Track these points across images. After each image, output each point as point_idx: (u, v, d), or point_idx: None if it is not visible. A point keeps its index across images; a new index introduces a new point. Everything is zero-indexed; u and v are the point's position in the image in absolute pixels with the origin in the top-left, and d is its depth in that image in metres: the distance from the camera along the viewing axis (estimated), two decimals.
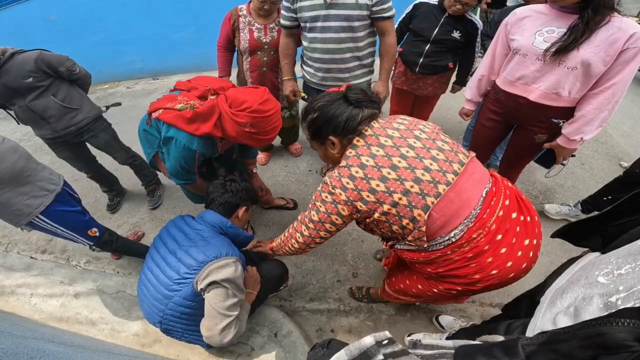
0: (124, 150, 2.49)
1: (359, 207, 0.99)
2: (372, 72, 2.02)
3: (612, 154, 3.00)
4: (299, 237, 1.25)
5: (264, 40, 2.18)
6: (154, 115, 1.53)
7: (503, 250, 0.99)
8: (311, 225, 1.16)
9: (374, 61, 1.98)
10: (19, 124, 2.16)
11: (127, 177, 2.79)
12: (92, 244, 1.92)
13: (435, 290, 1.19)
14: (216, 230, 1.47)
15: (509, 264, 1.00)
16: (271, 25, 2.17)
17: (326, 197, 1.04)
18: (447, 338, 1.49)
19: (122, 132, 2.61)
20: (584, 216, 2.11)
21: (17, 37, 5.40)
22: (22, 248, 2.59)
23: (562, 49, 1.40)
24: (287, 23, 1.92)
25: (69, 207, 1.77)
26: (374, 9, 1.72)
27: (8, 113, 2.10)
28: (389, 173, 0.95)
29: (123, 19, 5.10)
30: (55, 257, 2.47)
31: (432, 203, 0.94)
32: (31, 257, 2.49)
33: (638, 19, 4.57)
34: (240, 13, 2.18)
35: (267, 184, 2.60)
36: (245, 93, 1.43)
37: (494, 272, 1.01)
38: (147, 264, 1.48)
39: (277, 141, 2.94)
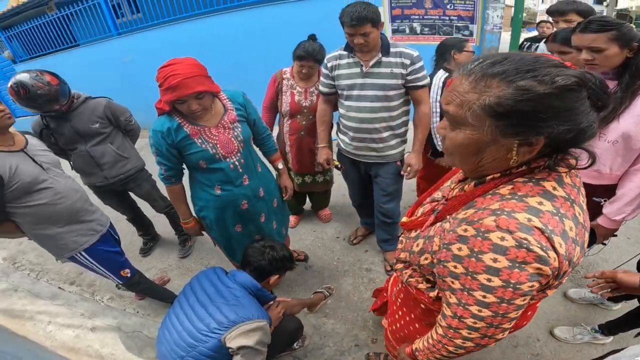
0: (162, 199, 2.66)
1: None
2: (405, 142, 2.01)
3: None
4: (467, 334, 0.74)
5: (304, 104, 2.27)
6: None
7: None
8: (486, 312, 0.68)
9: (407, 131, 2.00)
10: (72, 169, 2.25)
11: (163, 224, 2.95)
12: (122, 283, 1.97)
13: None
14: (247, 290, 1.51)
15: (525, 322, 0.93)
16: (311, 89, 2.27)
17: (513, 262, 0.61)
18: None
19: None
20: (608, 302, 1.96)
21: (92, 73, 6.18)
22: (53, 277, 2.67)
23: (601, 121, 1.27)
24: (325, 90, 1.99)
25: (110, 247, 1.88)
26: (409, 77, 1.77)
27: (65, 158, 2.19)
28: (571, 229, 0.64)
29: None
30: (82, 290, 2.52)
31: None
32: (59, 288, 2.55)
33: None
34: (284, 76, 2.30)
35: (293, 247, 2.68)
36: None
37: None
38: (174, 309, 1.51)
39: (307, 205, 3.07)
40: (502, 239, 0.60)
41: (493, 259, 0.61)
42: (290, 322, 1.78)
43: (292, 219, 2.95)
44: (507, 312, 0.66)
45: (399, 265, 1.02)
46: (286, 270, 1.69)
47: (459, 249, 0.66)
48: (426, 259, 0.81)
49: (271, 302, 1.67)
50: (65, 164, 1.93)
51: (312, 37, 2.18)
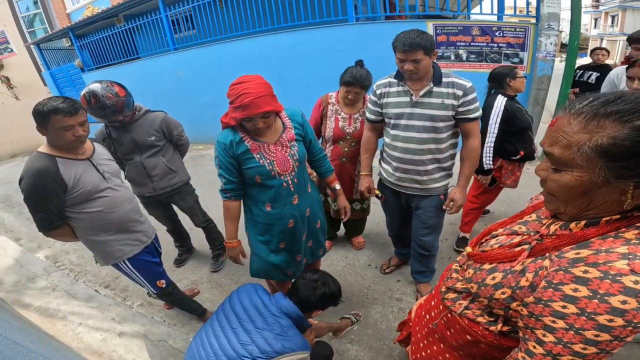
0: (202, 214, 2.72)
1: None
2: (450, 176, 1.95)
3: None
4: None
5: (347, 131, 2.26)
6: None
7: None
8: None
9: (453, 164, 1.93)
10: (124, 179, 2.25)
11: (198, 238, 3.01)
12: (155, 292, 2.00)
13: None
14: (291, 320, 1.47)
15: None
16: (355, 116, 2.25)
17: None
18: None
19: (203, 194, 2.91)
20: None
21: (149, 85, 6.57)
22: (90, 279, 2.77)
23: None
24: (372, 117, 1.95)
25: (151, 257, 1.93)
26: (460, 109, 1.70)
27: (120, 168, 2.22)
28: None
29: (228, 84, 5.89)
30: (115, 294, 2.59)
31: None
32: (95, 290, 2.63)
33: None
34: (329, 101, 2.30)
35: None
36: None
37: None
38: (212, 325, 1.47)
39: (341, 231, 3.03)
40: (636, 282, 0.58)
41: (622, 301, 0.59)
42: (323, 348, 1.74)
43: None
44: (613, 349, 0.64)
45: (452, 295, 1.00)
46: (333, 305, 1.64)
47: (575, 290, 0.63)
48: (504, 293, 0.78)
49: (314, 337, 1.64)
50: None
51: (360, 63, 2.17)
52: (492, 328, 0.88)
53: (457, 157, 1.92)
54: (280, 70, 5.54)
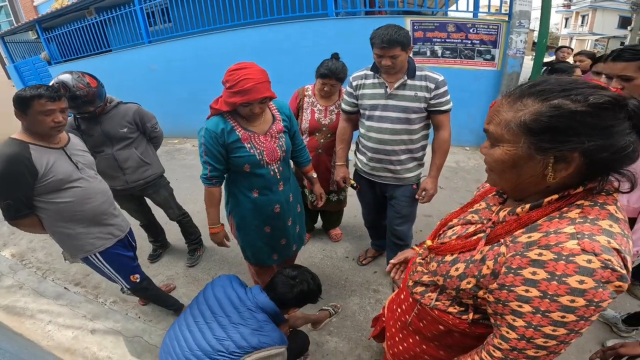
0: (177, 208, 2.68)
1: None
2: (422, 165, 2.01)
3: None
4: None
5: (323, 122, 2.28)
6: None
7: None
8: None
9: (424, 155, 1.99)
10: None
11: (173, 232, 2.95)
12: (129, 287, 1.96)
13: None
14: (267, 315, 1.46)
15: None
16: (331, 108, 2.28)
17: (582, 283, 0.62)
18: None
19: (178, 188, 2.86)
20: (622, 327, 1.99)
21: (121, 79, 6.37)
22: (59, 277, 2.68)
23: None
24: (347, 108, 2.00)
25: (124, 251, 1.89)
26: (432, 102, 1.76)
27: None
28: None
29: (205, 78, 5.72)
30: (86, 291, 2.52)
31: None
32: (65, 288, 2.55)
33: None
34: (306, 93, 2.33)
35: (303, 264, 2.61)
36: None
37: None
38: (186, 320, 1.45)
39: (318, 224, 3.05)
40: (589, 261, 0.61)
41: (579, 280, 0.62)
42: (298, 336, 1.75)
43: None
44: (581, 328, 0.67)
45: (419, 289, 1.00)
46: (310, 302, 1.61)
47: (533, 273, 0.66)
48: (469, 282, 0.80)
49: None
50: None
51: (335, 56, 2.19)
52: (463, 317, 0.90)
53: (429, 148, 1.97)
54: (258, 64, 5.46)
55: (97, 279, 2.60)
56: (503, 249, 0.73)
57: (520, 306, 0.69)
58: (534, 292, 0.66)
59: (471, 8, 4.72)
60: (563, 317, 0.65)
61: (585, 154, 0.61)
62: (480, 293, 0.79)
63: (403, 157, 1.90)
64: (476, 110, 4.83)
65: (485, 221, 0.87)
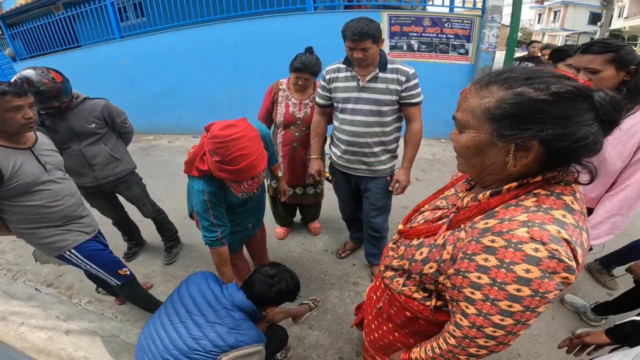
0: (151, 204, 2.63)
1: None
2: (395, 157, 2.03)
3: None
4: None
5: (298, 116, 2.29)
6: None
7: None
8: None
9: (397, 147, 2.01)
10: None
11: (149, 230, 2.90)
12: (120, 283, 1.90)
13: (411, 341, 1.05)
14: (244, 313, 1.44)
15: None
16: (306, 101, 2.29)
17: (526, 271, 0.63)
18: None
19: (154, 185, 2.82)
20: (591, 316, 2.04)
21: (92, 75, 6.18)
22: (30, 278, 2.60)
23: None
24: (321, 102, 2.01)
25: (99, 247, 1.84)
26: (403, 94, 1.79)
27: None
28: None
29: (181, 73, 5.72)
30: (59, 292, 2.45)
31: None
32: (36, 289, 2.48)
33: None
34: (280, 87, 2.33)
35: (282, 259, 2.68)
36: (218, 122, 1.33)
37: None
38: (160, 319, 1.42)
39: (297, 218, 3.06)
40: (536, 250, 0.61)
41: (525, 269, 0.62)
42: (276, 331, 1.75)
43: (281, 230, 2.96)
44: (527, 320, 0.67)
45: (389, 273, 1.01)
46: (288, 301, 1.59)
47: (485, 260, 0.67)
48: (431, 267, 0.81)
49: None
50: None
51: (309, 50, 2.20)
52: (427, 303, 0.90)
53: (402, 140, 2.00)
54: (236, 59, 5.43)
55: (71, 279, 2.54)
56: (462, 234, 0.74)
57: (472, 293, 0.70)
58: (485, 279, 0.67)
59: (447, 3, 4.80)
60: (510, 306, 0.66)
61: (544, 142, 0.62)
62: (441, 278, 0.79)
63: (376, 149, 1.92)
64: (451, 104, 4.78)
65: (450, 207, 0.88)
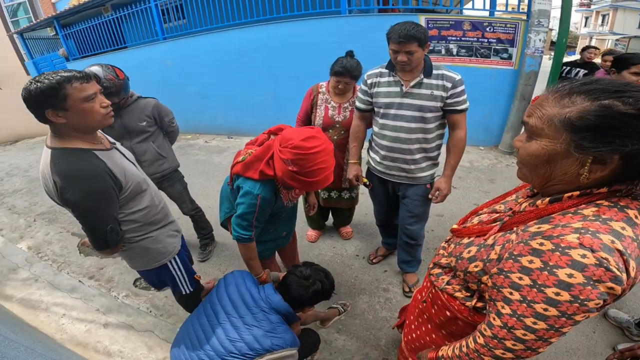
0: (190, 202, 2.69)
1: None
2: (436, 165, 1.98)
3: None
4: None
5: (337, 119, 2.27)
6: (232, 171, 1.54)
7: None
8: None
9: (439, 154, 1.96)
10: None
11: (185, 227, 2.95)
12: (193, 290, 1.79)
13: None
14: (281, 316, 1.43)
15: None
16: (345, 105, 2.27)
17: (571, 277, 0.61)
18: None
19: (191, 183, 2.86)
20: (635, 331, 1.93)
21: (137, 75, 6.46)
22: (74, 270, 2.72)
23: None
24: (361, 106, 1.97)
25: (185, 248, 1.77)
26: (448, 101, 1.73)
27: None
28: None
29: (218, 74, 5.86)
30: (100, 285, 2.55)
31: None
32: (79, 281, 2.59)
33: None
34: (320, 90, 2.31)
35: (313, 262, 2.64)
36: (295, 131, 1.34)
37: None
38: (199, 319, 1.44)
39: (329, 221, 3.04)
40: (584, 256, 0.60)
41: (569, 274, 0.61)
42: (310, 336, 1.74)
43: (313, 233, 2.95)
44: (562, 327, 0.65)
45: (437, 270, 1.02)
46: (324, 300, 1.57)
47: (530, 262, 0.66)
48: (476, 266, 0.81)
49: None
50: None
51: (350, 54, 2.17)
52: (467, 303, 0.90)
53: (444, 147, 1.93)
54: (271, 61, 5.50)
55: (111, 272, 2.64)
56: (513, 236, 0.73)
57: (511, 293, 0.69)
58: (526, 280, 0.66)
59: (488, 6, 4.63)
60: (545, 309, 0.64)
61: (625, 157, 0.59)
62: (484, 278, 0.79)
63: (417, 156, 1.87)
64: (492, 110, 4.75)
65: (507, 211, 0.87)
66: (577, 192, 0.68)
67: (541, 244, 0.64)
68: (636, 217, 0.64)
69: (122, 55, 6.83)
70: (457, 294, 0.92)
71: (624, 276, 0.59)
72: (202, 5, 5.78)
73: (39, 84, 1.09)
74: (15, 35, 9.03)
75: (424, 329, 1.13)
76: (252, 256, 1.61)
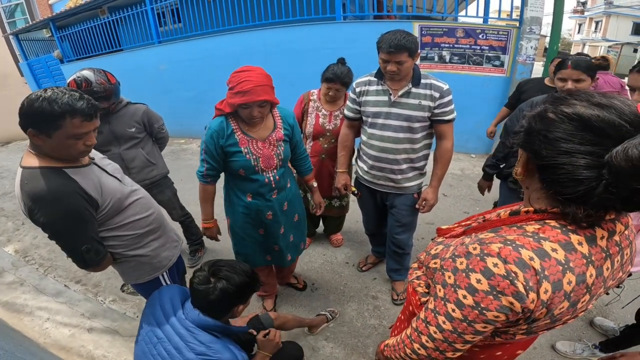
0: (180, 208, 2.69)
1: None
2: (423, 175, 1.97)
3: None
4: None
5: (327, 127, 2.26)
6: None
7: None
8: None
9: (426, 165, 1.96)
10: None
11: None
12: None
13: None
14: (210, 334, 1.25)
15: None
16: (336, 113, 2.26)
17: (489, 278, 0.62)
18: None
19: (182, 189, 2.87)
20: (600, 354, 1.88)
21: (131, 78, 6.23)
22: (60, 274, 2.70)
23: None
24: (350, 114, 1.96)
25: (180, 265, 1.72)
26: (436, 111, 1.72)
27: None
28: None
29: (212, 79, 5.76)
30: (86, 289, 2.53)
31: None
32: (65, 285, 2.57)
33: None
34: (311, 98, 2.31)
35: (302, 269, 2.65)
36: None
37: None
38: (143, 341, 1.27)
39: (320, 229, 3.04)
40: (495, 265, 0.61)
41: (478, 279, 0.63)
42: (292, 349, 1.70)
43: None
44: (463, 332, 0.68)
45: (414, 265, 1.05)
46: (253, 292, 1.38)
47: (461, 263, 0.68)
48: (435, 263, 0.83)
49: (266, 331, 1.55)
50: None
51: (341, 61, 2.18)
52: (422, 299, 0.92)
53: (432, 156, 1.94)
54: (265, 66, 5.27)
55: (98, 277, 2.61)
56: (467, 240, 0.74)
57: (439, 290, 0.72)
58: (451, 280, 0.68)
59: (481, 13, 4.67)
60: (453, 310, 0.67)
61: (540, 168, 0.64)
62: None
63: (404, 166, 1.87)
64: (483, 117, 4.77)
65: (482, 219, 0.90)
66: (532, 208, 0.69)
67: (474, 249, 0.66)
68: (580, 243, 0.61)
69: (116, 58, 6.82)
70: (418, 289, 0.94)
71: (531, 295, 0.58)
72: (198, 9, 5.78)
73: (44, 103, 1.03)
74: (10, 36, 9.00)
75: (402, 327, 1.13)
76: (203, 199, 1.74)
